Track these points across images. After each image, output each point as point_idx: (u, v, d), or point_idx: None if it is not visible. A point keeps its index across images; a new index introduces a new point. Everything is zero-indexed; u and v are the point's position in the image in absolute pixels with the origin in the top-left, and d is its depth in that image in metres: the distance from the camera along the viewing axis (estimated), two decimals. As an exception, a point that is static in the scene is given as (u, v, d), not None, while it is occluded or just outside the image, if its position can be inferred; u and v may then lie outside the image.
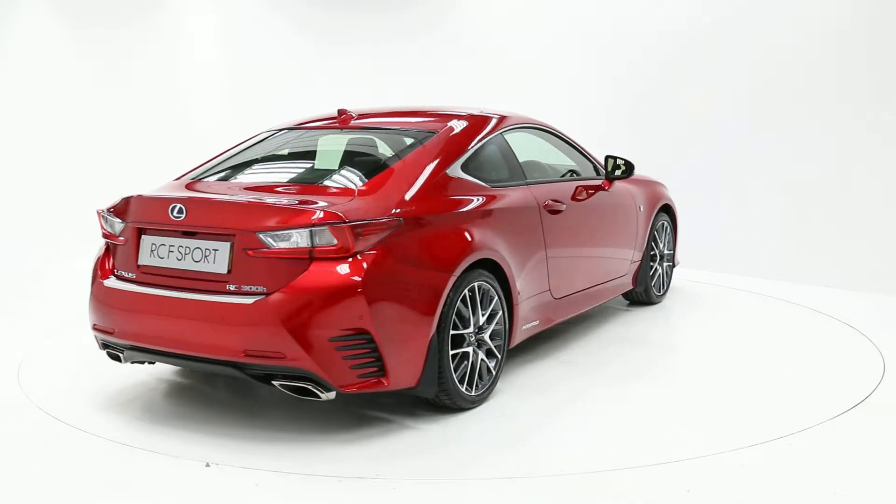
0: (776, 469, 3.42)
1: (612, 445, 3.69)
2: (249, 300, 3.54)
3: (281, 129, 4.96)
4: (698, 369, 4.81)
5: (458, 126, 4.53)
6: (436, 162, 4.16)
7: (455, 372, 3.92)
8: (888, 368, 4.71)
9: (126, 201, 4.03)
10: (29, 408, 4.22)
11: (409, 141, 4.41)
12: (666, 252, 6.35)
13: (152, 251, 3.87)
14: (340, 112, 4.88)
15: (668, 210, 6.38)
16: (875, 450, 3.64)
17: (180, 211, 3.75)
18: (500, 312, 4.22)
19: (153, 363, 4.06)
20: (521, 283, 4.43)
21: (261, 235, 3.55)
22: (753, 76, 7.56)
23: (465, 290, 3.95)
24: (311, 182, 4.16)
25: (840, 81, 7.00)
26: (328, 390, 3.58)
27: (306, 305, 3.47)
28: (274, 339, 3.48)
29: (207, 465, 3.48)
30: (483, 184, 4.37)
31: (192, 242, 3.75)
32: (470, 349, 4.01)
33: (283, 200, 3.76)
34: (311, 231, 3.50)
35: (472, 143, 4.45)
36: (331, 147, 4.70)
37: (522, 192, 4.63)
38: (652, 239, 6.08)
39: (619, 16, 8.53)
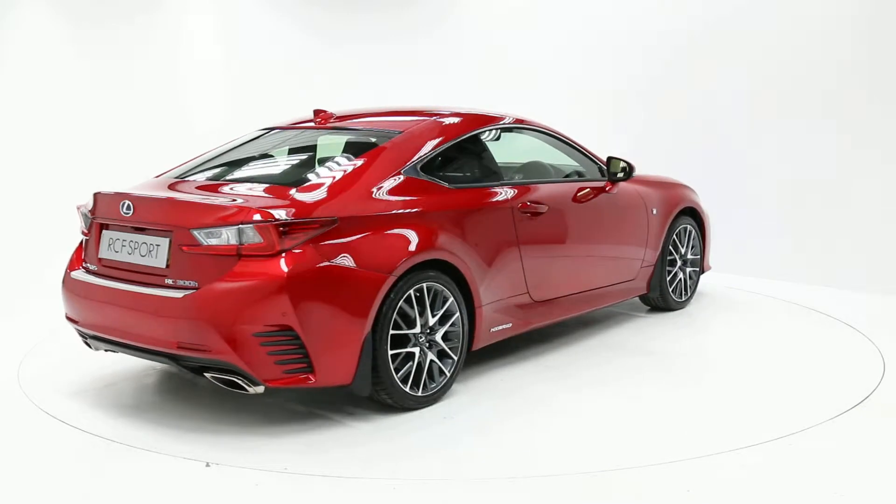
0: (776, 469, 3.42)
1: (613, 445, 3.69)
2: (180, 294, 3.69)
3: (264, 130, 5.06)
4: (698, 369, 4.81)
5: (423, 127, 4.55)
6: (390, 162, 4.21)
7: (399, 371, 3.96)
8: (888, 368, 4.71)
9: (94, 197, 4.24)
10: (29, 408, 4.22)
11: (371, 141, 4.46)
12: (690, 257, 6.12)
13: (110, 245, 4.09)
14: (317, 112, 5.01)
15: (693, 214, 6.14)
16: (875, 450, 3.64)
17: (129, 208, 3.95)
18: (458, 314, 4.22)
19: (116, 352, 4.20)
20: (487, 286, 4.40)
21: (194, 232, 3.68)
22: (753, 76, 7.55)
23: (411, 291, 3.97)
24: (263, 182, 4.20)
25: (841, 81, 7.00)
26: (255, 384, 3.66)
27: (230, 301, 3.58)
28: (200, 333, 3.61)
29: (207, 465, 3.48)
30: (444, 184, 4.37)
31: (140, 238, 3.94)
32: (416, 350, 4.03)
33: (219, 199, 3.89)
34: (238, 229, 3.61)
35: (437, 144, 4.45)
36: (298, 147, 4.78)
37: (493, 193, 4.59)
38: (670, 243, 5.89)
39: (619, 16, 8.53)
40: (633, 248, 5.59)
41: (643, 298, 5.98)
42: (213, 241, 3.65)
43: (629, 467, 3.43)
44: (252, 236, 3.61)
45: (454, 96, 8.56)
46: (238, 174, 4.45)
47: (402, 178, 4.19)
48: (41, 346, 5.29)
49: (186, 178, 4.41)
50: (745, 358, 5.03)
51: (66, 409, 4.18)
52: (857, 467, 3.46)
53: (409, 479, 3.36)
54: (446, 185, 4.38)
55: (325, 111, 5.05)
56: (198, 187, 4.24)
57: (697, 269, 6.23)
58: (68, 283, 4.26)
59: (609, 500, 3.18)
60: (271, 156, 4.74)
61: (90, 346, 4.27)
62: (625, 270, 5.55)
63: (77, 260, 4.36)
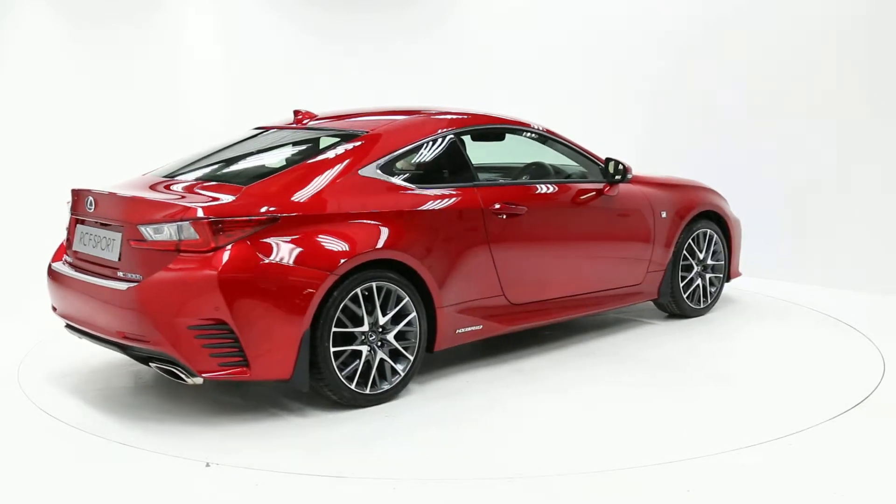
0: (776, 469, 3.42)
1: (612, 446, 3.69)
2: (124, 286, 3.86)
3: (258, 130, 5.10)
4: (698, 369, 4.81)
5: (388, 128, 4.57)
6: (345, 163, 4.25)
7: (348, 368, 4.02)
8: (888, 368, 4.71)
9: (71, 193, 4.49)
10: (29, 408, 4.22)
11: (335, 142, 4.48)
12: (711, 262, 5.91)
13: (80, 239, 4.35)
14: (296, 113, 5.09)
15: (715, 218, 5.95)
16: (875, 450, 3.64)
17: (91, 204, 4.20)
18: (413, 314, 4.23)
19: (83, 340, 4.36)
20: (451, 287, 4.40)
21: (140, 228, 3.86)
22: (753, 76, 7.55)
23: (358, 290, 4.01)
24: (223, 180, 4.30)
25: (841, 81, 7.00)
26: (192, 375, 3.77)
27: (166, 294, 3.73)
28: (139, 324, 3.78)
29: (207, 465, 3.48)
30: (406, 185, 4.38)
31: (101, 232, 4.15)
32: (364, 348, 4.06)
33: (169, 197, 4.05)
34: (178, 226, 3.76)
35: (400, 146, 4.47)
36: (271, 147, 4.80)
37: (460, 194, 4.55)
38: (685, 247, 5.70)
39: (620, 16, 8.53)
40: (636, 251, 5.43)
41: (658, 304, 5.84)
42: (157, 237, 3.81)
43: (629, 467, 3.43)
44: (190, 233, 3.75)
45: (454, 96, 8.56)
46: (209, 173, 4.49)
47: (357, 178, 4.23)
48: (41, 346, 5.29)
49: (166, 176, 4.49)
50: (745, 358, 5.02)
51: (66, 409, 4.18)
52: (857, 467, 3.45)
53: (409, 479, 3.36)
54: (408, 185, 4.39)
55: (305, 111, 5.10)
56: (165, 185, 4.32)
57: (721, 276, 6.01)
58: (50, 274, 4.49)
59: (609, 500, 3.18)
60: (249, 155, 4.76)
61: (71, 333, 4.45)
62: (626, 274, 5.41)
63: (60, 252, 4.62)
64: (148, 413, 4.14)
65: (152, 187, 4.29)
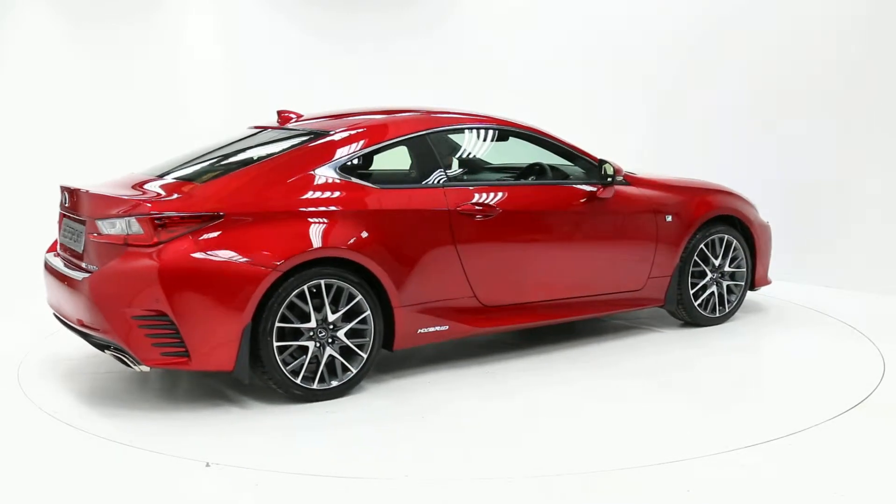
0: (776, 469, 3.42)
1: (613, 446, 3.69)
2: (80, 277, 4.07)
3: (255, 129, 5.14)
4: (698, 369, 4.81)
5: (354, 128, 4.62)
6: (301, 162, 4.34)
7: (293, 363, 4.12)
8: (888, 368, 4.71)
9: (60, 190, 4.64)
10: (29, 408, 4.22)
11: (299, 141, 4.55)
12: (730, 269, 5.64)
13: (63, 232, 4.56)
14: (279, 113, 5.16)
15: (734, 223, 5.70)
16: (875, 450, 3.64)
17: (66, 199, 4.43)
18: (368, 312, 4.26)
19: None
20: (411, 286, 4.42)
21: (97, 222, 4.07)
22: (753, 76, 7.55)
23: (305, 287, 4.09)
24: (190, 179, 4.39)
25: (842, 81, 6.99)
26: (138, 364, 3.95)
27: (112, 286, 3.95)
28: (90, 313, 4.01)
29: (207, 465, 3.48)
30: (366, 185, 4.42)
31: (75, 226, 4.37)
32: (310, 344, 4.13)
33: (127, 193, 4.20)
34: (126, 221, 3.97)
35: (363, 146, 4.53)
36: (249, 147, 4.81)
37: (425, 194, 4.55)
38: (696, 253, 5.46)
39: (620, 16, 8.53)
40: (634, 256, 5.27)
41: (670, 312, 5.62)
42: (110, 231, 4.02)
43: (629, 467, 3.43)
44: (136, 228, 3.95)
45: (454, 96, 8.55)
46: (183, 171, 4.54)
47: (312, 177, 4.30)
48: (41, 346, 5.29)
49: (155, 175, 4.56)
50: (745, 358, 5.02)
51: (66, 409, 4.18)
52: (857, 467, 3.45)
53: (410, 478, 3.36)
54: (369, 185, 4.42)
55: (288, 111, 5.16)
56: (141, 183, 4.43)
57: (741, 284, 5.72)
58: (45, 265, 4.68)
59: (609, 500, 3.18)
60: (228, 155, 4.76)
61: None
62: (623, 279, 5.25)
63: (54, 245, 4.83)
64: (148, 413, 4.14)
65: (134, 185, 4.39)
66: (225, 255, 3.96)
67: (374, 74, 9.67)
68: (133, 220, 3.95)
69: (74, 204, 4.33)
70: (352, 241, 4.22)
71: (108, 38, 9.84)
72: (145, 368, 3.96)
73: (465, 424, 3.98)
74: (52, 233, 4.88)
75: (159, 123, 9.71)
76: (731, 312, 5.75)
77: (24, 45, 9.86)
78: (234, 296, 3.93)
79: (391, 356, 4.92)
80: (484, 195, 4.73)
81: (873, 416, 4.01)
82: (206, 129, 8.46)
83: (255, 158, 4.52)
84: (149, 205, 3.99)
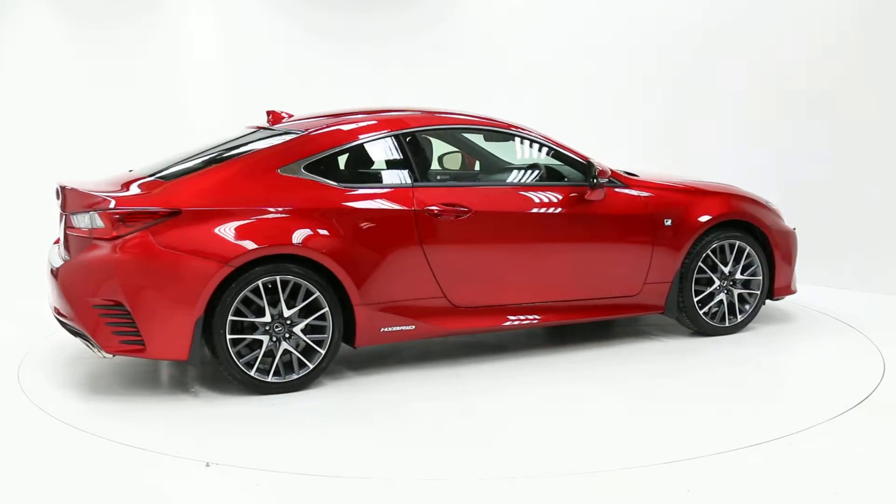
0: (776, 469, 3.42)
1: (612, 445, 3.69)
2: (56, 267, 4.35)
3: (251, 129, 5.16)
4: (698, 369, 4.81)
5: (325, 128, 4.69)
6: (266, 161, 4.46)
7: (248, 355, 4.26)
8: (888, 368, 4.71)
9: None
10: (29, 408, 4.22)
11: (270, 141, 4.64)
12: (741, 277, 5.36)
13: (60, 226, 4.65)
14: (269, 113, 5.25)
15: (748, 228, 5.39)
16: (875, 450, 3.64)
17: (57, 195, 4.55)
18: (326, 309, 4.34)
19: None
20: (373, 285, 4.45)
21: (71, 216, 4.32)
22: (753, 76, 7.55)
23: (259, 282, 4.21)
24: (166, 177, 4.50)
25: (841, 80, 6.99)
26: (100, 350, 4.16)
27: (77, 276, 4.22)
28: (60, 301, 4.30)
29: (207, 465, 3.48)
30: (332, 184, 4.48)
31: (63, 220, 4.53)
32: (265, 338, 4.25)
33: (102, 190, 4.35)
34: (90, 215, 4.20)
35: (333, 146, 4.60)
36: (232, 147, 4.83)
37: (394, 194, 4.57)
38: (701, 258, 5.22)
39: (620, 15, 8.52)
40: (626, 260, 5.09)
41: (678, 320, 5.39)
42: (80, 225, 4.26)
43: (629, 467, 3.43)
44: (98, 222, 4.18)
45: (454, 96, 8.55)
46: (167, 170, 4.60)
47: (276, 176, 4.41)
48: (41, 347, 5.29)
49: (143, 173, 4.64)
50: (745, 358, 5.02)
51: (66, 409, 4.18)
52: (856, 467, 3.46)
53: (409, 478, 3.36)
54: (335, 184, 4.48)
55: (276, 112, 5.24)
56: (127, 181, 4.55)
57: (757, 293, 5.42)
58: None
59: (609, 500, 3.18)
60: (209, 153, 4.78)
61: None
62: (616, 284, 5.09)
63: (58, 239, 4.89)
64: (148, 413, 4.14)
65: (121, 183, 4.52)
66: (180, 249, 4.13)
67: (374, 74, 9.66)
68: (96, 214, 4.17)
69: (62, 199, 4.51)
70: (308, 239, 4.31)
71: (108, 38, 9.84)
72: (108, 356, 4.16)
73: (466, 423, 3.98)
74: (52, 233, 4.88)
75: (159, 123, 9.70)
76: (745, 323, 5.45)
77: (24, 45, 9.86)
78: (186, 290, 4.11)
79: (395, 355, 4.91)
80: (455, 196, 4.70)
81: (873, 416, 4.02)
82: (205, 129, 8.47)
83: (226, 158, 4.61)
84: (113, 201, 4.18)
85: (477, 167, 5.61)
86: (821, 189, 7.14)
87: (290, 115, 5.25)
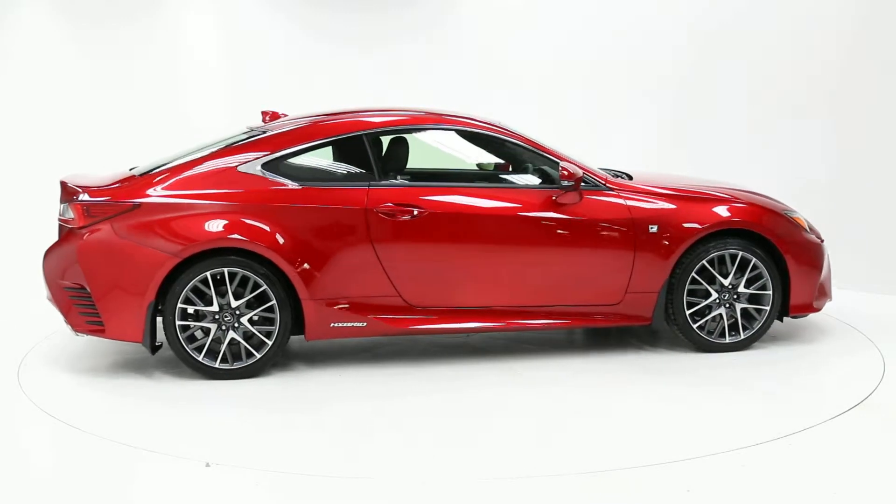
0: (776, 469, 3.42)
1: (613, 445, 3.69)
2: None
3: (248, 129, 5.21)
4: (698, 369, 4.81)
5: (286, 128, 4.84)
6: (227, 160, 4.70)
7: (196, 341, 4.56)
8: (888, 368, 4.71)
9: None
10: (29, 408, 4.22)
11: (241, 141, 4.83)
12: (745, 291, 4.98)
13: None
14: (264, 114, 5.47)
15: (755, 237, 5.01)
16: (875, 450, 3.64)
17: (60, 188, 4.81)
18: (273, 302, 4.54)
19: None
20: (323, 281, 4.59)
21: (60, 206, 4.70)
22: (753, 76, 7.54)
23: (208, 273, 4.49)
24: (144, 172, 4.78)
25: (841, 80, 6.99)
26: (73, 329, 4.59)
27: (53, 261, 4.64)
28: (45, 284, 4.70)
29: (207, 465, 3.48)
30: (288, 182, 4.66)
31: None
32: (213, 326, 4.54)
33: (84, 183, 4.66)
34: (64, 206, 4.64)
35: (291, 145, 4.76)
36: (216, 146, 4.93)
37: (347, 193, 4.65)
38: (694, 269, 4.90)
39: (621, 16, 8.52)
40: (602, 268, 4.86)
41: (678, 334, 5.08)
42: (62, 215, 4.67)
43: (629, 467, 3.43)
44: (69, 213, 4.60)
45: (453, 96, 8.54)
46: (153, 167, 4.83)
47: (235, 173, 4.66)
48: (41, 347, 5.29)
49: (139, 172, 4.85)
50: (745, 358, 5.02)
51: (66, 409, 4.18)
52: (856, 467, 3.46)
53: (409, 478, 3.36)
54: (289, 183, 4.66)
55: (271, 112, 5.44)
56: (120, 177, 4.79)
57: (766, 308, 5.03)
58: None
59: (609, 500, 3.18)
60: (189, 153, 4.91)
61: None
62: (592, 292, 4.88)
63: None
64: (148, 413, 4.14)
65: (112, 180, 4.77)
66: (135, 240, 4.49)
67: (374, 74, 9.67)
68: (68, 205, 4.59)
69: (61, 191, 4.80)
70: (255, 234, 4.52)
71: (108, 38, 9.84)
72: (79, 334, 4.60)
73: (471, 424, 3.98)
74: (52, 233, 4.89)
75: (159, 123, 9.70)
76: (750, 340, 5.05)
77: (24, 45, 9.86)
78: (139, 277, 4.47)
79: (397, 352, 4.91)
80: (411, 196, 4.70)
81: (873, 416, 4.02)
82: (206, 129, 8.47)
83: (187, 156, 4.84)
84: (83, 194, 4.56)
85: (493, 168, 5.56)
86: (821, 189, 7.14)
87: (286, 115, 5.31)
